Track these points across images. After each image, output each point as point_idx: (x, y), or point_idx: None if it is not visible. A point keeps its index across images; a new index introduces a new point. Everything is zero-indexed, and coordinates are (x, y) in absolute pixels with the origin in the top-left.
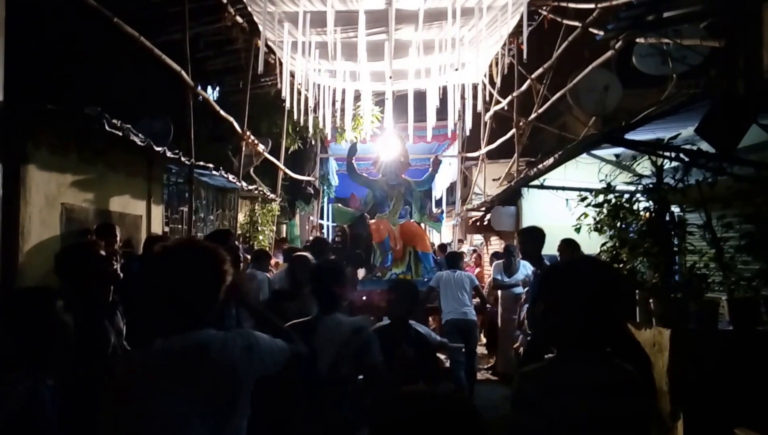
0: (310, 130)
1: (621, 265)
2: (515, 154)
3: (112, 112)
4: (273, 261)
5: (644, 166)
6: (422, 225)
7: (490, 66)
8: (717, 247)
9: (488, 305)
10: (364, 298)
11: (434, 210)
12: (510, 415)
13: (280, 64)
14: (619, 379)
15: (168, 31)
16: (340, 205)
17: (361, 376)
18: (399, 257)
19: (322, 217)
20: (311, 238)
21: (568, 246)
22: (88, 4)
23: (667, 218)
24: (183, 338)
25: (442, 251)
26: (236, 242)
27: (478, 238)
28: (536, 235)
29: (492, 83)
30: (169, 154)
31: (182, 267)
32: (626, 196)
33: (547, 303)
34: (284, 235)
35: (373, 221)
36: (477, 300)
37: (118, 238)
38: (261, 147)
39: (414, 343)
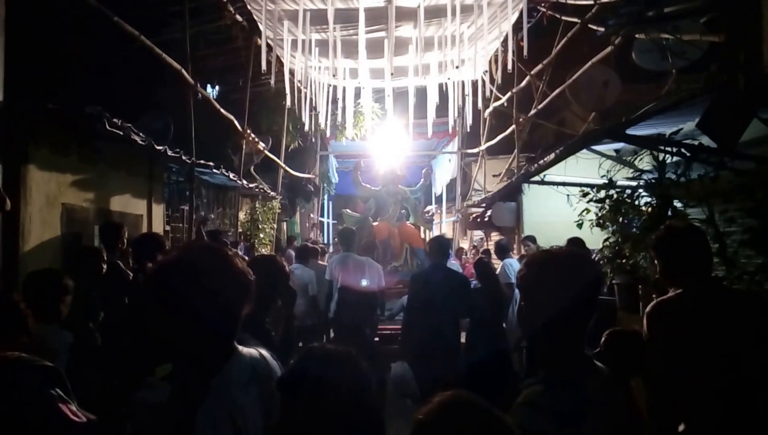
0: (307, 126)
1: (624, 261)
2: (515, 150)
3: (113, 111)
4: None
5: (645, 162)
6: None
7: (490, 62)
8: (719, 242)
9: None
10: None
11: (430, 208)
12: None
13: (280, 62)
14: (616, 395)
15: (168, 30)
16: (348, 210)
17: None
18: (397, 253)
19: (322, 215)
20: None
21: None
22: (88, 3)
23: (669, 213)
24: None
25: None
26: (237, 240)
27: (478, 234)
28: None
29: (492, 79)
30: (170, 152)
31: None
32: (628, 191)
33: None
34: (284, 233)
35: (375, 223)
36: None
37: (124, 239)
38: (261, 145)
39: None
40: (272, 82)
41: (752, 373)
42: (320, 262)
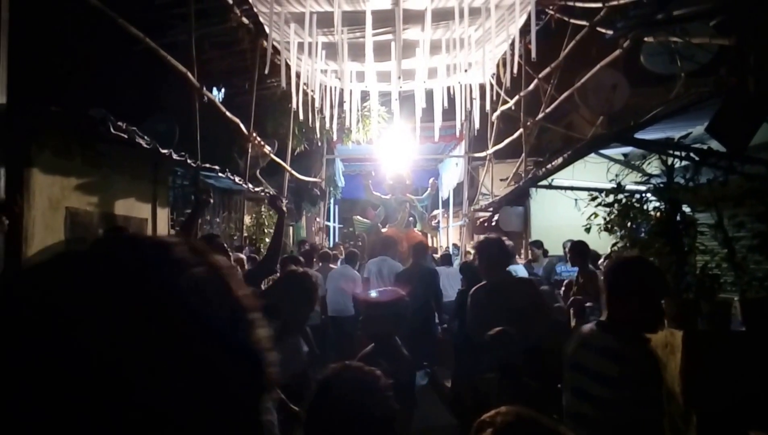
0: (317, 131)
1: None
2: (523, 154)
3: (117, 113)
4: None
5: (653, 166)
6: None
7: (498, 65)
8: (729, 247)
9: None
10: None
11: (437, 214)
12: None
13: (287, 65)
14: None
15: (173, 32)
16: (359, 217)
17: None
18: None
19: (328, 219)
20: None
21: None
22: (92, 5)
23: (678, 218)
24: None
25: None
26: (242, 244)
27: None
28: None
29: (499, 83)
30: (174, 156)
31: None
32: (636, 195)
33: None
34: (291, 237)
35: (384, 230)
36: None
37: None
38: (267, 148)
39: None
40: (283, 84)
41: (525, 329)
42: (332, 265)
